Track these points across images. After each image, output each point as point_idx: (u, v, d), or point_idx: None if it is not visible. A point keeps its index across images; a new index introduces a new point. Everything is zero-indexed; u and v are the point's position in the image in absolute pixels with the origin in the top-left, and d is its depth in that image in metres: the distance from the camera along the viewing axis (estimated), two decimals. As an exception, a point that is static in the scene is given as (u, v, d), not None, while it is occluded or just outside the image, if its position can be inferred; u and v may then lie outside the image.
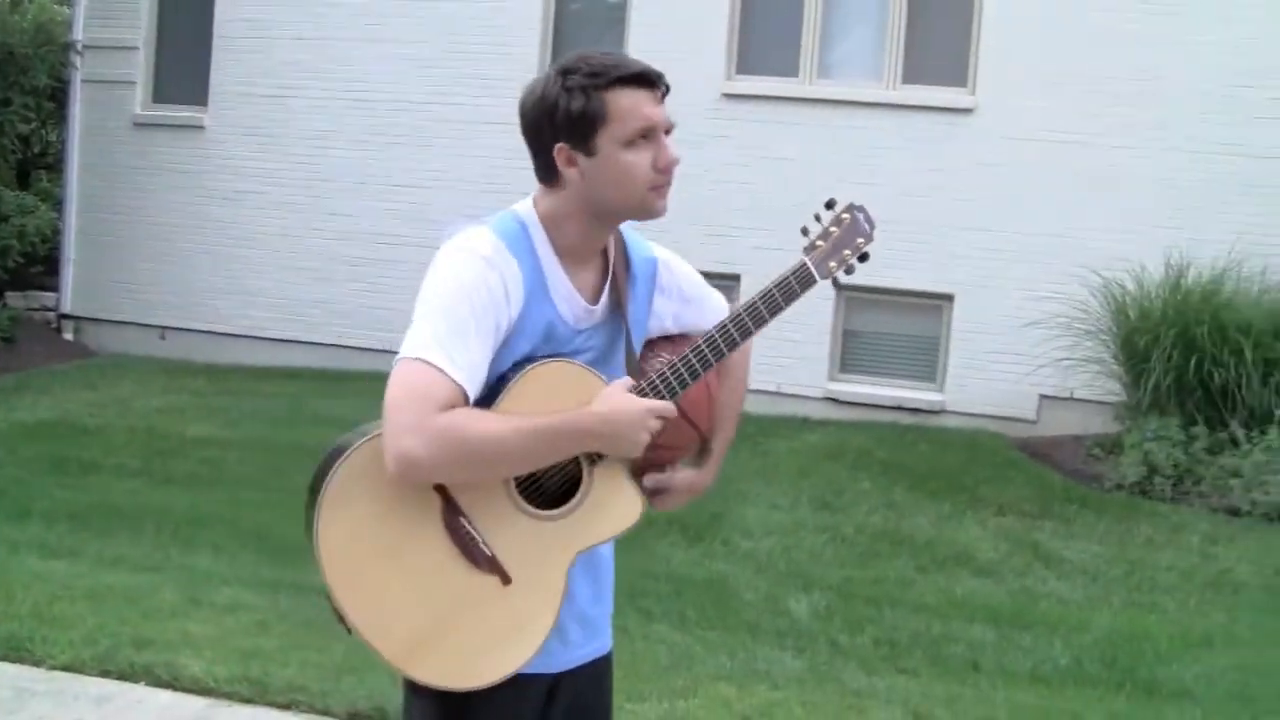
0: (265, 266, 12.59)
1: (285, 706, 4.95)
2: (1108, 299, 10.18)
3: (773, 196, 11.08)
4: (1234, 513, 8.58)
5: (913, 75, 11.27)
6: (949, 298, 11.11)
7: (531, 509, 2.47)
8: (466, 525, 2.42)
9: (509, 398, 2.44)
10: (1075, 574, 7.37)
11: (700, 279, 2.83)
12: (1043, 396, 10.80)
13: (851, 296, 11.26)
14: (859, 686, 5.44)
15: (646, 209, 2.53)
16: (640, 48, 11.43)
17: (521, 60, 11.82)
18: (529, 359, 2.49)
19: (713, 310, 2.77)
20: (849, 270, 2.65)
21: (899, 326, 11.45)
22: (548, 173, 2.52)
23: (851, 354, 11.47)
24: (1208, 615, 6.79)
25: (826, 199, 2.69)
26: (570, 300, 2.56)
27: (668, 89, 2.51)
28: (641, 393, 2.50)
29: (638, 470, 2.60)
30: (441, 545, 2.40)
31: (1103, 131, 10.64)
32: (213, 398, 10.84)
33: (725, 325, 2.56)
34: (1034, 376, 10.56)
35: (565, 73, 2.48)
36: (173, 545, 6.91)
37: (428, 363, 2.35)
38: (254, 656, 5.27)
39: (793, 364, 11.21)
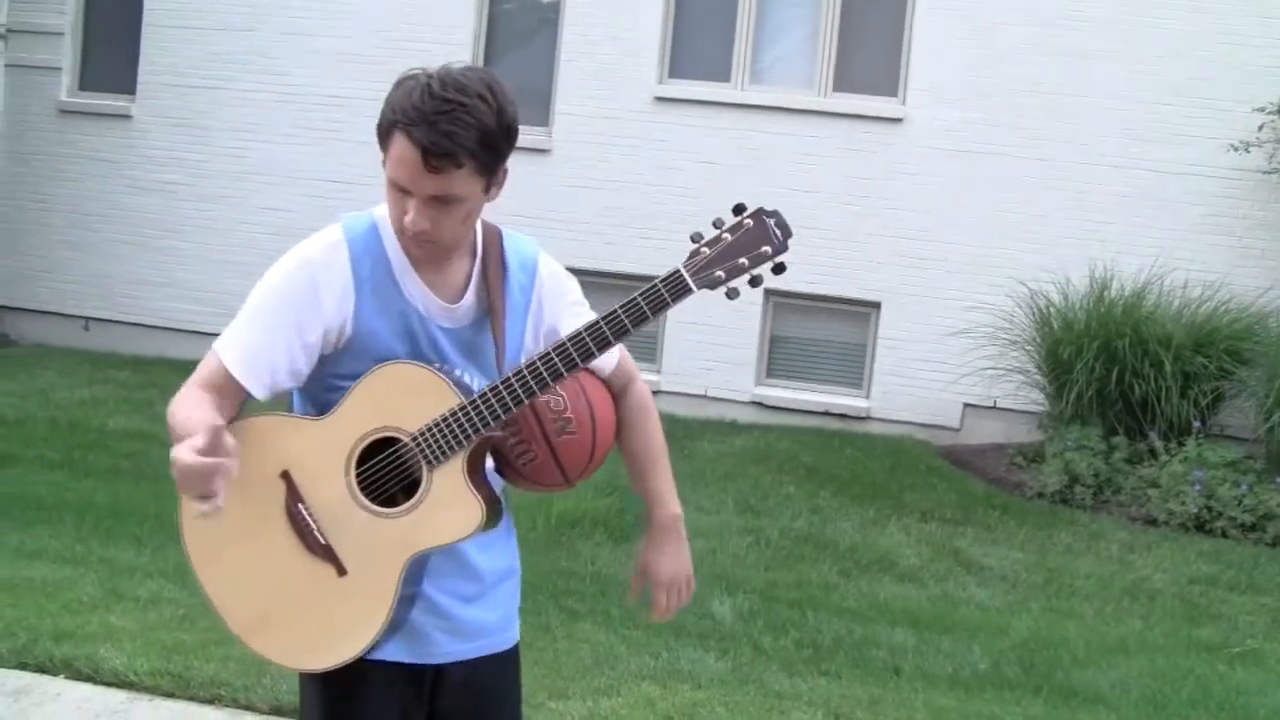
0: (192, 259, 12.45)
1: (208, 701, 4.91)
2: (1033, 310, 10.30)
3: (704, 200, 11.13)
4: (1151, 522, 8.71)
5: (843, 84, 11.33)
6: (876, 305, 11.19)
7: (369, 504, 2.49)
8: (304, 513, 2.48)
9: (351, 395, 2.48)
10: (995, 580, 7.45)
11: (580, 296, 2.75)
12: (967, 405, 10.91)
13: (779, 302, 11.32)
14: (781, 688, 5.48)
15: (404, 242, 2.50)
16: (573, 49, 11.44)
17: (453, 58, 11.76)
18: (389, 357, 2.50)
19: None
20: (754, 282, 2.40)
21: (826, 333, 11.51)
22: None
23: (779, 359, 11.53)
24: (1124, 622, 6.89)
25: (736, 204, 2.45)
26: (423, 298, 2.54)
27: (456, 166, 2.40)
28: (484, 399, 2.42)
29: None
30: (282, 530, 2.49)
31: (1029, 144, 10.77)
32: (137, 390, 10.71)
33: (580, 333, 2.42)
34: (959, 385, 10.67)
35: (420, 82, 2.45)
36: (94, 538, 6.83)
37: (214, 350, 2.51)
38: (176, 651, 5.23)
39: (720, 368, 11.27)
